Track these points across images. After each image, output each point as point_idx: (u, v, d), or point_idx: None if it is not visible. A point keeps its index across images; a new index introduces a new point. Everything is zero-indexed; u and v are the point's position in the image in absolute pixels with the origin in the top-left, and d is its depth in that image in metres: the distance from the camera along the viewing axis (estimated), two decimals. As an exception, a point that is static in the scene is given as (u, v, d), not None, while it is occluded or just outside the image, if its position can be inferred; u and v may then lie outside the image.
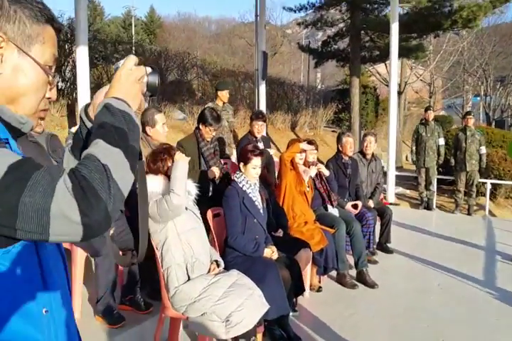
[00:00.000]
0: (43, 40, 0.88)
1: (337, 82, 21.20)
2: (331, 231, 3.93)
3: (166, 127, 3.21)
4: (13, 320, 0.76)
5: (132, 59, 0.92)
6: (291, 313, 3.11)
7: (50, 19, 0.88)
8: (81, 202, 0.69)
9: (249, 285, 2.44)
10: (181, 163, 2.39)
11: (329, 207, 4.30)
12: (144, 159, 1.46)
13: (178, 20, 43.70)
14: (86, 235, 0.71)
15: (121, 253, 2.59)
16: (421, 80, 19.98)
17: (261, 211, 3.03)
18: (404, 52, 12.92)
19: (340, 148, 4.85)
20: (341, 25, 14.53)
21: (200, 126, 3.74)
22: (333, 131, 15.60)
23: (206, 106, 5.66)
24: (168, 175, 2.47)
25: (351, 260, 4.21)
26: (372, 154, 5.23)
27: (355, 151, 5.21)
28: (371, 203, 5.01)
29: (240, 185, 2.95)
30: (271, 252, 2.98)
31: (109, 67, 8.44)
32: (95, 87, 8.46)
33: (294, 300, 3.33)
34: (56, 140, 3.03)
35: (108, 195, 0.72)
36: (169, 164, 2.48)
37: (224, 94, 5.41)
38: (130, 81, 0.89)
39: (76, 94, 5.58)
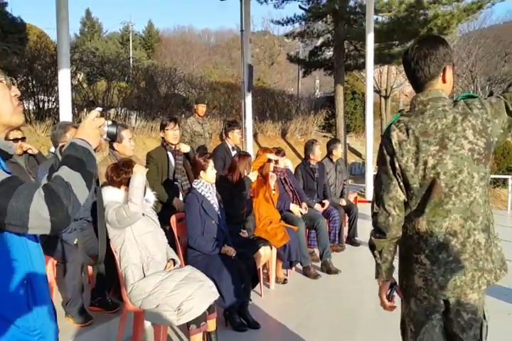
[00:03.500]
0: None
1: (332, 89, 21.80)
2: (294, 229, 4.34)
3: (132, 142, 3.56)
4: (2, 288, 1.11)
5: (95, 112, 1.33)
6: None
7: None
8: (50, 206, 1.06)
9: (200, 278, 2.75)
10: (139, 174, 2.70)
11: (292, 206, 4.69)
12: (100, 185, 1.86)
13: (176, 33, 44.39)
14: (53, 228, 1.09)
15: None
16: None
17: (218, 213, 3.36)
18: (387, 59, 13.35)
19: (310, 156, 5.26)
20: (327, 35, 15.00)
21: (162, 134, 4.04)
22: (324, 137, 15.99)
23: (188, 119, 6.03)
24: (128, 186, 2.79)
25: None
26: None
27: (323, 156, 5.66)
28: (343, 201, 5.57)
29: (199, 191, 3.29)
30: (229, 250, 3.29)
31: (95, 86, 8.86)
32: (87, 105, 8.90)
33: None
34: (33, 159, 3.55)
35: (69, 202, 1.09)
36: (129, 176, 2.76)
37: (200, 108, 5.76)
38: (91, 127, 1.29)
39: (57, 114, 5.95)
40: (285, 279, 4.33)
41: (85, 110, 8.36)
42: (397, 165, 1.67)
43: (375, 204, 1.76)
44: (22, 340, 1.13)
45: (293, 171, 5.25)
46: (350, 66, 14.84)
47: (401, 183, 1.68)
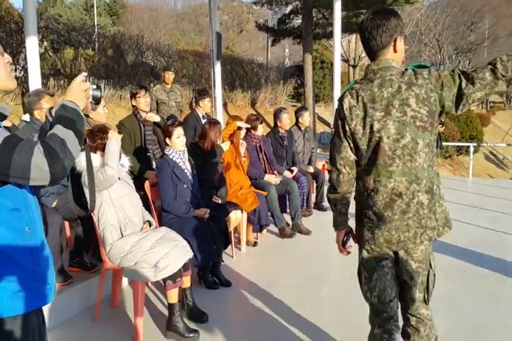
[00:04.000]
0: None
1: (301, 58, 21.74)
2: (263, 194, 4.57)
3: (106, 109, 3.63)
4: (8, 232, 1.27)
5: (81, 76, 1.46)
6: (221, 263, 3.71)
7: None
8: (49, 160, 1.21)
9: (175, 238, 2.94)
10: (114, 140, 2.81)
11: (266, 175, 4.87)
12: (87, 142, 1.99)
13: (142, -1, 42.69)
14: (52, 180, 1.24)
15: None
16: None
17: (190, 177, 3.52)
18: (355, 28, 13.37)
19: (278, 124, 5.42)
20: (296, 3, 14.85)
21: (133, 102, 4.12)
22: (293, 106, 16.10)
23: (154, 87, 6.04)
24: (104, 151, 2.90)
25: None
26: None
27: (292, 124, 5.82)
28: (311, 169, 5.79)
29: (170, 157, 3.42)
30: (202, 213, 3.47)
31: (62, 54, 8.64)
32: (54, 74, 8.70)
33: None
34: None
35: (64, 156, 1.24)
36: (105, 141, 2.86)
37: (167, 76, 5.78)
38: (78, 90, 1.43)
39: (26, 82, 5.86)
40: (255, 242, 4.57)
41: (52, 79, 8.19)
42: (347, 128, 1.84)
43: (329, 164, 1.98)
44: (25, 280, 1.29)
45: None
46: (318, 35, 14.83)
47: (351, 145, 1.86)
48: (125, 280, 3.43)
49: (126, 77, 9.77)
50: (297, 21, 15.95)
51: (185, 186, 3.44)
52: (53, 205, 3.09)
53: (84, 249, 3.34)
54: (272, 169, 5.00)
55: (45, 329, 1.41)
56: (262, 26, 16.73)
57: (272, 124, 5.70)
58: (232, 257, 4.15)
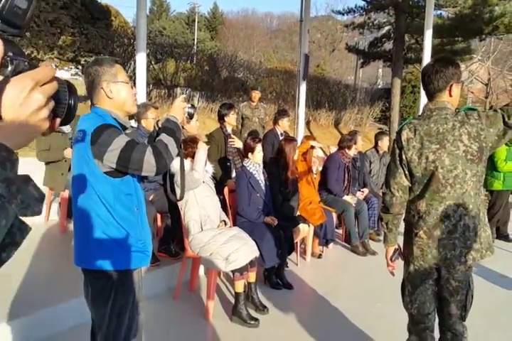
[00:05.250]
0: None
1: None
2: (331, 211, 4.89)
3: (197, 122, 4.23)
4: (124, 210, 1.80)
5: (181, 98, 1.98)
6: (285, 268, 4.11)
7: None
8: (156, 158, 1.71)
9: (245, 237, 3.40)
10: (202, 149, 3.36)
11: (346, 197, 5.22)
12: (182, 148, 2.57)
13: (239, 16, 44.86)
14: (156, 172, 1.77)
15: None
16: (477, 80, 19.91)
17: (263, 188, 3.98)
18: (449, 55, 13.23)
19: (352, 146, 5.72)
20: (388, 27, 14.97)
21: (224, 118, 4.71)
22: (379, 129, 16.06)
23: (241, 103, 6.64)
24: (193, 158, 3.46)
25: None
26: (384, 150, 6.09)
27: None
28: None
29: (248, 168, 3.92)
30: (270, 220, 3.90)
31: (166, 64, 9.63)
32: (156, 83, 9.72)
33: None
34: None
35: (167, 156, 1.74)
36: (195, 150, 3.42)
37: (253, 94, 6.34)
38: (179, 108, 1.94)
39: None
40: (320, 254, 4.87)
41: (154, 89, 9.19)
42: (403, 157, 2.12)
43: (384, 187, 2.29)
44: (134, 245, 1.83)
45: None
46: (410, 59, 14.79)
47: (406, 172, 2.14)
48: (202, 269, 3.96)
49: (219, 91, 10.59)
50: (388, 45, 16.01)
51: (258, 195, 3.90)
52: (150, 199, 3.71)
53: (171, 239, 3.93)
54: (349, 190, 5.31)
55: (142, 285, 1.93)
56: (352, 48, 17.02)
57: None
58: (297, 265, 4.49)
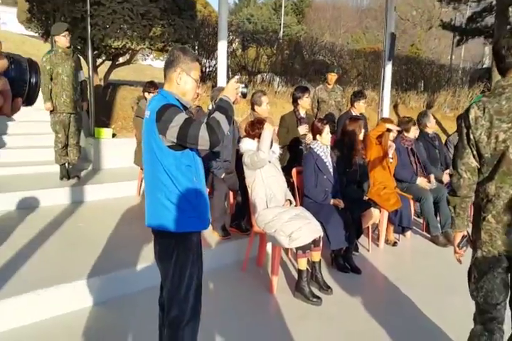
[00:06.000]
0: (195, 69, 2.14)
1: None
2: (408, 197, 4.70)
3: (268, 106, 4.35)
4: (184, 179, 2.03)
5: (235, 79, 2.17)
6: (355, 253, 4.13)
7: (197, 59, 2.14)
8: (209, 133, 1.92)
9: (309, 217, 3.49)
10: (267, 130, 3.49)
11: (418, 179, 4.98)
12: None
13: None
14: (210, 146, 1.98)
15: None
16: None
17: (331, 170, 4.01)
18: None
19: (426, 124, 5.50)
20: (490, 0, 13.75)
21: (298, 101, 4.78)
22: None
23: (317, 87, 6.63)
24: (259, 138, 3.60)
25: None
26: None
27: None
28: None
29: (315, 150, 3.97)
30: (338, 202, 3.93)
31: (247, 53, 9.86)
32: (239, 70, 10.02)
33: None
34: (201, 110, 4.63)
35: (219, 131, 1.94)
36: (261, 131, 3.55)
37: (329, 77, 6.29)
38: (232, 88, 2.12)
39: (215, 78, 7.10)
40: (395, 242, 4.70)
41: (238, 74, 9.51)
42: (471, 136, 2.00)
43: (451, 168, 2.17)
44: (192, 211, 2.06)
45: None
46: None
47: (474, 152, 2.01)
48: (269, 246, 4.11)
49: (299, 75, 10.60)
50: (490, 19, 14.70)
51: (325, 177, 3.95)
52: (222, 176, 3.96)
53: (242, 215, 4.17)
54: (424, 173, 5.06)
55: (201, 247, 2.18)
56: (447, 25, 15.87)
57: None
58: (369, 251, 4.43)
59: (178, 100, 2.08)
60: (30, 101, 0.71)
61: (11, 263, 3.21)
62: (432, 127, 5.48)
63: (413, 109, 13.70)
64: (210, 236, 4.01)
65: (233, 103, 2.10)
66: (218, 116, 1.98)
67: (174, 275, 2.05)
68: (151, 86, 5.05)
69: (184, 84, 2.09)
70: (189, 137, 1.91)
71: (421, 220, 5.32)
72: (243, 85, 2.19)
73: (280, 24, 33.90)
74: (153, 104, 2.04)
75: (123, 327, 2.80)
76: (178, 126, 1.91)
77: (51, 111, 5.05)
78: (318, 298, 3.27)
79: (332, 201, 3.93)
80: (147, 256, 3.39)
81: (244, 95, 2.21)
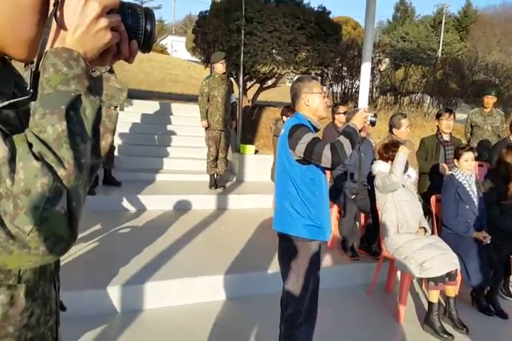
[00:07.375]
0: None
1: None
2: None
3: (408, 129, 4.22)
4: (307, 191, 2.24)
5: (363, 109, 2.38)
6: (505, 297, 3.74)
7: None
8: (332, 153, 2.14)
9: (444, 247, 3.26)
10: (401, 153, 3.42)
11: None
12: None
13: (496, 11, 40.32)
14: (332, 165, 2.19)
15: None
16: None
17: (474, 200, 3.67)
18: None
19: None
20: None
21: (436, 123, 4.54)
22: None
23: (471, 111, 6.19)
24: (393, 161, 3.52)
25: None
26: None
27: None
28: None
29: (457, 177, 3.70)
30: (482, 236, 3.52)
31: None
32: (384, 91, 9.86)
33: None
34: (331, 128, 4.70)
35: (341, 153, 2.16)
36: (395, 154, 3.49)
37: (485, 100, 5.81)
38: (360, 117, 2.34)
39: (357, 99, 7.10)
40: None
41: (381, 97, 9.38)
42: None
43: None
44: (312, 220, 2.24)
45: None
46: None
47: None
48: (399, 273, 3.95)
49: (454, 96, 9.96)
50: None
51: (467, 207, 3.63)
52: (352, 197, 3.98)
53: (372, 238, 4.11)
54: None
55: (319, 258, 2.32)
56: None
57: None
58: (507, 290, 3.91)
59: (309, 122, 2.34)
60: (146, 47, 0.73)
61: (165, 253, 3.79)
62: None
63: None
64: (338, 254, 4.06)
65: (360, 131, 2.30)
66: (343, 139, 2.20)
67: (292, 275, 2.25)
68: (288, 110, 5.40)
69: (312, 102, 2.33)
70: (314, 154, 2.14)
71: None
72: (372, 114, 2.37)
73: (439, 42, 32.21)
74: (288, 124, 2.35)
75: (250, 322, 3.05)
76: (306, 143, 2.16)
77: (206, 128, 5.76)
78: (450, 334, 3.04)
79: (475, 234, 3.59)
80: (277, 263, 3.55)
81: (372, 124, 2.39)
